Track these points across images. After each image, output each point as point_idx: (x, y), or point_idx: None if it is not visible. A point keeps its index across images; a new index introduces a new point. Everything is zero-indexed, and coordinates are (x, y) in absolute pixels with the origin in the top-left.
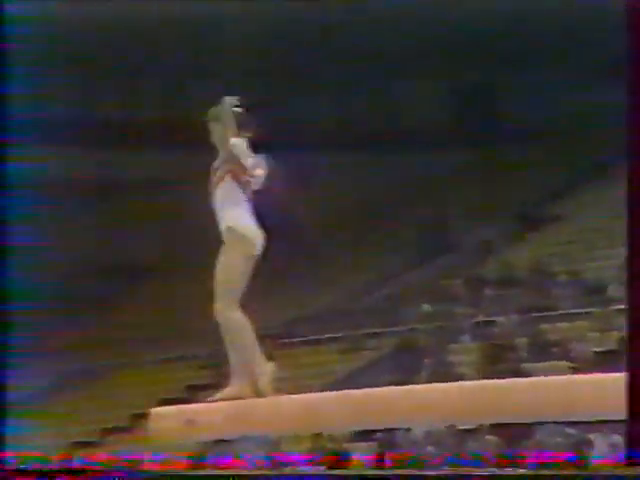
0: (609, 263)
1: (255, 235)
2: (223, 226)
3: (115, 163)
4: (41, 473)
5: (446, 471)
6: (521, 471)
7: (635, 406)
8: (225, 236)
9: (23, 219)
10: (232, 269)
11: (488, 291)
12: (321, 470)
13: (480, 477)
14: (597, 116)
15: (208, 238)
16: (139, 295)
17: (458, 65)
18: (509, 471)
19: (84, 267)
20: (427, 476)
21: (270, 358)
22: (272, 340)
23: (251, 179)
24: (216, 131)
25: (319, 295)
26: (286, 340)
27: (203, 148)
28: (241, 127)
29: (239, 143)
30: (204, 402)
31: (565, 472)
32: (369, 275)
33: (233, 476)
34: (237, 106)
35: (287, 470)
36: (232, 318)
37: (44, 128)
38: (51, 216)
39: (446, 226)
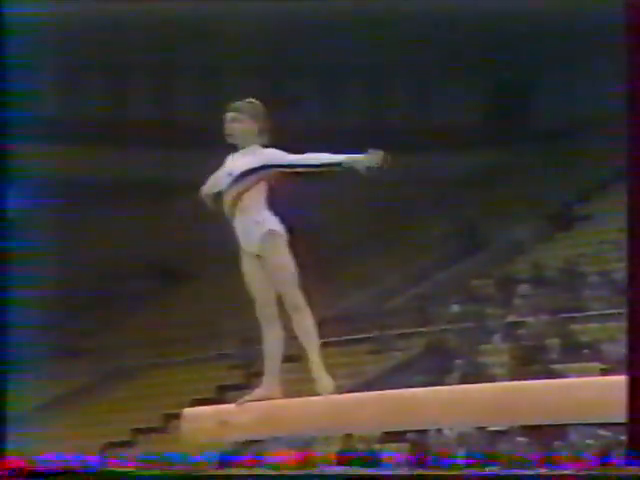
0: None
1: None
2: (264, 230)
3: (163, 165)
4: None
5: (447, 472)
6: (526, 472)
7: (635, 408)
8: (268, 240)
9: (51, 219)
10: (290, 266)
11: (519, 291)
12: (322, 470)
13: (484, 478)
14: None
15: (234, 240)
16: (170, 295)
17: (487, 64)
18: (516, 471)
19: (116, 268)
20: (426, 476)
21: (299, 359)
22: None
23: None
24: (237, 130)
25: (349, 295)
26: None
27: (221, 148)
28: (262, 123)
29: (270, 149)
30: (235, 403)
31: (567, 472)
32: (399, 275)
33: (250, 476)
34: (257, 104)
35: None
36: (307, 312)
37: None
38: (84, 217)
39: (477, 226)
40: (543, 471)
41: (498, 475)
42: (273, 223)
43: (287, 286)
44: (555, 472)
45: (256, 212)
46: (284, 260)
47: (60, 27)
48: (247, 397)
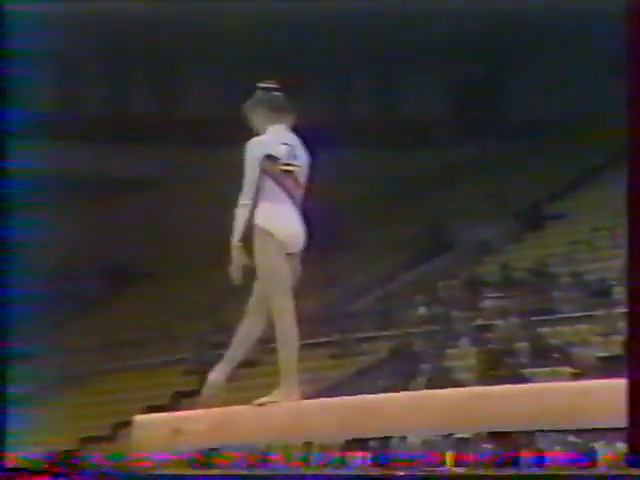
0: (613, 264)
1: (284, 233)
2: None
3: (111, 161)
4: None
5: (447, 472)
6: (521, 471)
7: (636, 411)
8: (255, 234)
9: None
10: (267, 267)
11: (487, 293)
12: (320, 470)
13: (480, 477)
14: (600, 113)
15: (197, 243)
16: (123, 296)
17: (458, 59)
18: (509, 471)
19: (66, 267)
20: (428, 476)
21: (258, 363)
22: (260, 344)
23: (289, 169)
24: (254, 122)
25: (309, 297)
26: (275, 345)
27: (206, 146)
28: (279, 111)
29: (257, 139)
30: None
31: (565, 472)
32: (363, 276)
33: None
34: (272, 89)
35: (285, 471)
36: (282, 320)
37: (42, 126)
38: (33, 215)
39: (443, 225)
40: (539, 471)
41: (501, 475)
42: (261, 218)
43: (268, 286)
44: (552, 472)
45: (255, 204)
46: (260, 260)
47: (58, 23)
48: (264, 399)
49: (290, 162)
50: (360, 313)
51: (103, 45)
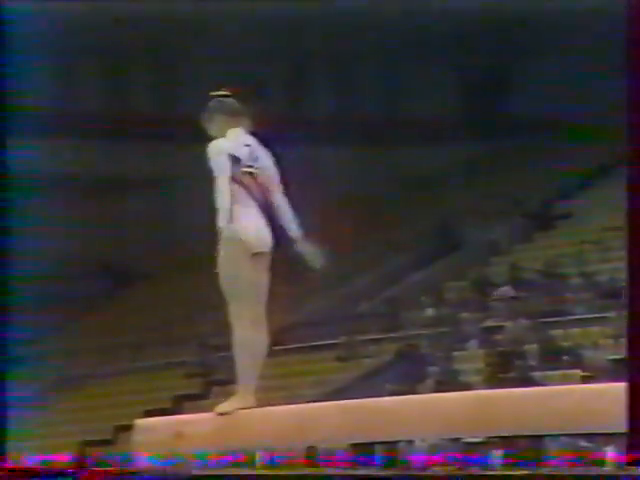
0: (624, 265)
1: (249, 235)
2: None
3: (111, 160)
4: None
5: (448, 472)
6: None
7: (635, 415)
8: (221, 237)
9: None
10: (229, 271)
11: (496, 294)
12: (319, 471)
13: (482, 477)
14: (612, 110)
15: (198, 243)
16: (123, 298)
17: (469, 56)
18: (510, 471)
19: (66, 267)
20: (427, 476)
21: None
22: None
23: (250, 171)
24: (212, 130)
25: (315, 299)
26: (280, 347)
27: (176, 145)
28: (235, 116)
29: (217, 140)
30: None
31: (564, 472)
32: (369, 277)
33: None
34: (226, 96)
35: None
36: (235, 328)
37: (38, 123)
38: (32, 215)
39: (451, 225)
40: (539, 471)
41: (496, 475)
42: (224, 221)
43: (228, 291)
44: (551, 472)
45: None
46: (221, 263)
47: (57, 20)
48: (222, 406)
49: (251, 164)
50: (366, 314)
51: (102, 42)
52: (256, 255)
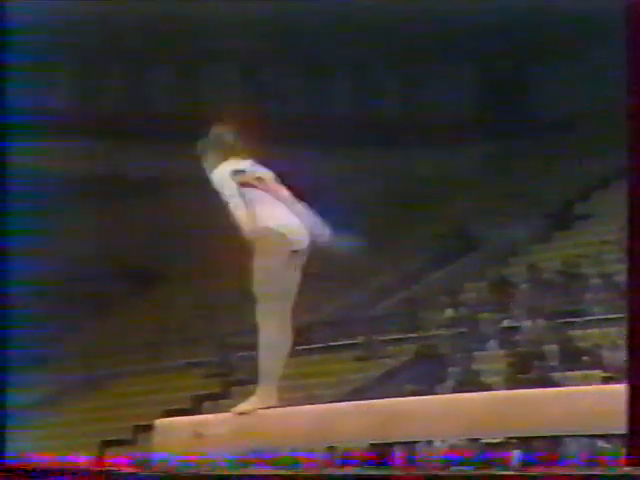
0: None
1: (291, 231)
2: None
3: (128, 160)
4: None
5: (449, 472)
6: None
7: (635, 417)
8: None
9: (20, 219)
10: (264, 270)
11: (515, 295)
12: (318, 470)
13: (482, 477)
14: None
15: (215, 243)
16: (141, 298)
17: (487, 56)
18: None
19: (83, 269)
20: (446, 476)
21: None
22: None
23: (261, 177)
24: (209, 162)
25: (334, 299)
26: (299, 347)
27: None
28: (232, 149)
29: (219, 173)
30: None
31: (562, 472)
32: (388, 277)
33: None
34: (224, 130)
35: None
36: (263, 327)
37: (46, 123)
38: (50, 216)
39: (470, 225)
40: (538, 472)
41: (498, 475)
42: (262, 220)
43: (255, 294)
44: (551, 472)
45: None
46: (260, 264)
47: (63, 19)
48: (241, 406)
49: (257, 171)
50: (385, 315)
51: (115, 44)
52: (294, 253)
